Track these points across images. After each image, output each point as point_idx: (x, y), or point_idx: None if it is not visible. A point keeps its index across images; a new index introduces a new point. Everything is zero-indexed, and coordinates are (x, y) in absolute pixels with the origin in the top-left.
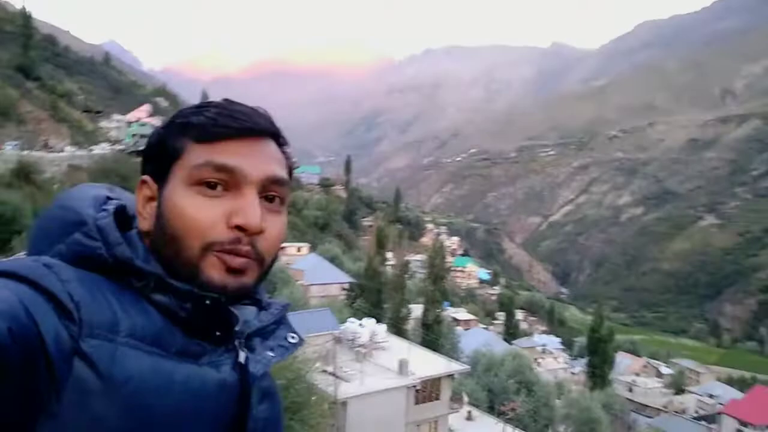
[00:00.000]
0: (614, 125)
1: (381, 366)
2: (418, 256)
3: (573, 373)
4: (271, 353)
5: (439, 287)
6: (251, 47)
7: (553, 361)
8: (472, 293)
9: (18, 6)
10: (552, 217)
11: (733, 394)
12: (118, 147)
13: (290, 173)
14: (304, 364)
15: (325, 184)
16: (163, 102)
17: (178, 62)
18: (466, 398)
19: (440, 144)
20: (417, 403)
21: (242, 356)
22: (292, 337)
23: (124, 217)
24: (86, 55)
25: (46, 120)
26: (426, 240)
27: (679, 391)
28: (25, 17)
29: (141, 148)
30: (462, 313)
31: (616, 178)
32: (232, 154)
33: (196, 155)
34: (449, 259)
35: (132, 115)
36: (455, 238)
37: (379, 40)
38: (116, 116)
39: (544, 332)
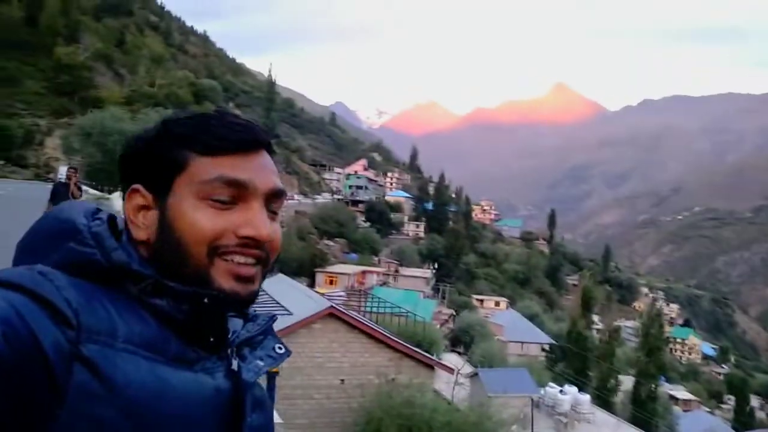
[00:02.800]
0: None
1: None
2: (630, 322)
3: None
4: (261, 362)
5: (654, 359)
6: (461, 102)
7: None
8: (694, 370)
9: (266, 75)
10: None
11: None
12: (337, 196)
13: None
14: (500, 425)
15: (527, 238)
16: (377, 157)
17: (394, 120)
18: None
19: (658, 200)
20: None
21: (235, 364)
22: (279, 348)
23: (115, 227)
24: (316, 115)
25: (280, 172)
26: (639, 305)
27: None
28: (270, 84)
29: (356, 197)
30: (681, 392)
31: None
32: (242, 169)
33: (204, 169)
34: (667, 328)
35: (350, 169)
36: (674, 306)
37: (591, 91)
38: (337, 169)
39: None
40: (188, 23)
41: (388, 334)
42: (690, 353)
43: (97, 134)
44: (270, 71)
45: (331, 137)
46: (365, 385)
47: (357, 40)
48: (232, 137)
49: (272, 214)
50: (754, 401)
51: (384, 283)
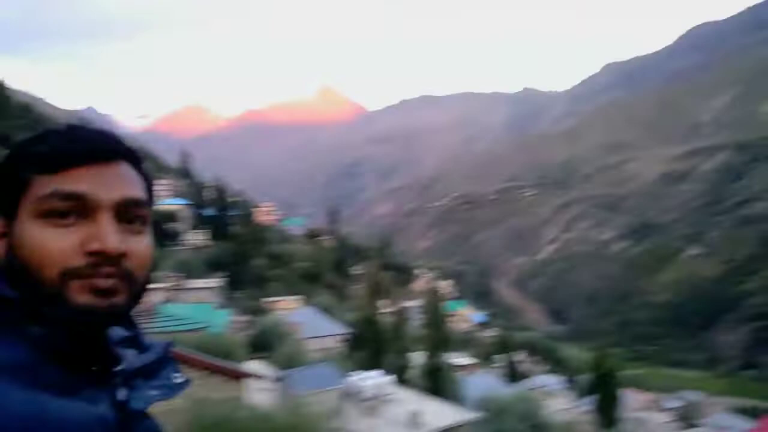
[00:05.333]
0: (589, 163)
1: (391, 419)
2: (412, 302)
3: (580, 413)
4: (155, 392)
5: (439, 333)
6: (229, 105)
7: (558, 402)
8: (469, 337)
9: None
10: (539, 256)
11: (743, 424)
12: None
13: (150, 192)
14: (315, 422)
15: (312, 235)
16: None
17: (158, 123)
18: None
19: (422, 190)
20: None
21: (121, 393)
22: (177, 377)
23: None
24: (62, 121)
25: None
26: (417, 285)
27: (689, 425)
28: None
29: None
30: (462, 358)
31: (598, 214)
32: (80, 181)
33: (43, 186)
34: (443, 303)
35: None
36: (446, 282)
37: (354, 92)
38: None
39: (544, 372)
40: None
41: (186, 352)
42: (464, 322)
43: None
44: None
45: None
46: (174, 410)
47: (110, 40)
48: (69, 149)
49: (132, 225)
50: (519, 356)
51: (170, 300)
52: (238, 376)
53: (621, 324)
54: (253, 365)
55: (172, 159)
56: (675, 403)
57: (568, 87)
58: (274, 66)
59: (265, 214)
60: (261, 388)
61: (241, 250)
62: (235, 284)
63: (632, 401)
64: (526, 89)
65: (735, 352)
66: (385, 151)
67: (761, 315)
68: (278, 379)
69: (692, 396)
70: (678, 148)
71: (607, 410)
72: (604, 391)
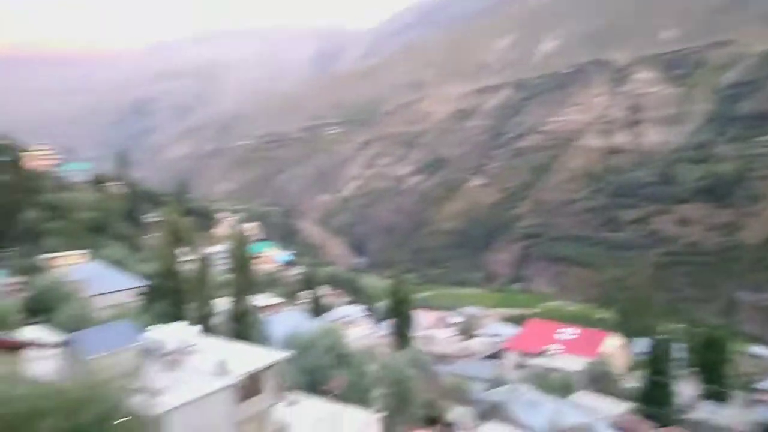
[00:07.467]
0: (389, 102)
1: (197, 370)
2: (215, 247)
3: (379, 337)
4: None
5: (244, 276)
6: None
7: (360, 330)
8: (274, 277)
9: None
10: (342, 193)
11: (511, 330)
12: None
13: None
14: (113, 386)
15: (98, 182)
16: None
17: None
18: (288, 385)
19: (223, 129)
20: (241, 400)
21: None
22: None
23: None
24: None
25: None
26: (220, 230)
27: (469, 335)
28: None
29: None
30: (267, 299)
31: (397, 151)
32: None
33: None
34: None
35: None
36: (251, 224)
37: (144, 19)
38: None
39: (347, 303)
40: None
41: None
42: (268, 263)
43: None
44: None
45: None
46: None
47: None
48: None
49: None
50: (323, 291)
51: None
52: (12, 347)
53: (414, 252)
54: (31, 332)
55: None
56: (458, 319)
57: (370, 27)
58: None
59: (38, 159)
60: (42, 356)
61: (9, 200)
62: (2, 241)
63: (423, 321)
64: (330, 26)
65: (506, 268)
66: (179, 87)
67: (527, 235)
68: (63, 344)
69: (472, 311)
70: (466, 86)
71: (401, 332)
72: (399, 315)
